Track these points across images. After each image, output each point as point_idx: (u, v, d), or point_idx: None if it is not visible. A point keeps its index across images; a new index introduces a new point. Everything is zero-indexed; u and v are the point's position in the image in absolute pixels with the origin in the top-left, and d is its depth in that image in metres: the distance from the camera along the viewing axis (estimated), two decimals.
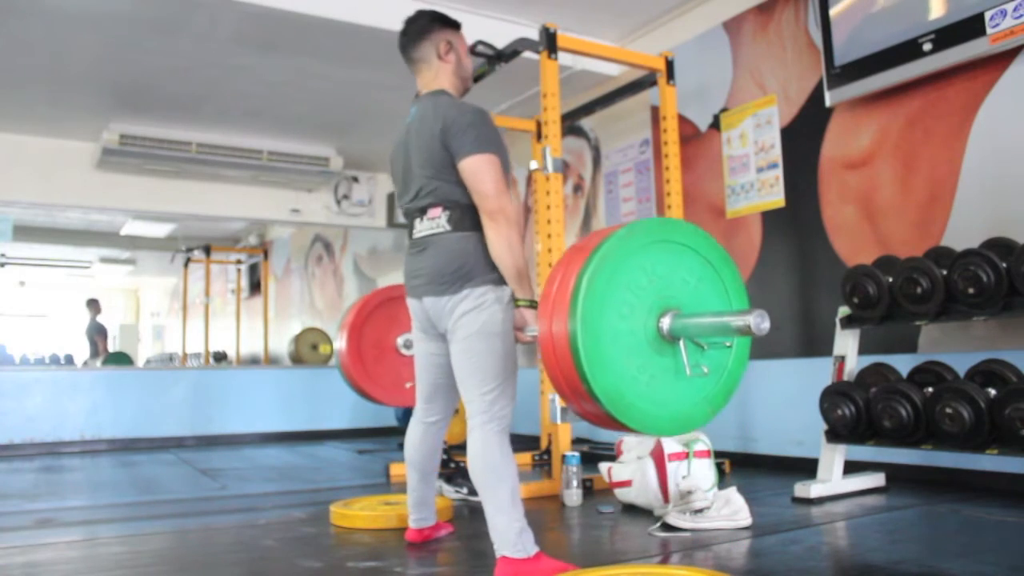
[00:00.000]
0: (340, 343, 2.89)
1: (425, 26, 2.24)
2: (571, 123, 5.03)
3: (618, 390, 1.52)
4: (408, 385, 2.58)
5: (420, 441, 2.35)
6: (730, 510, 2.49)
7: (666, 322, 1.58)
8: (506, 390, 2.01)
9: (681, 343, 1.58)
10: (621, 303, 1.55)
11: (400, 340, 2.85)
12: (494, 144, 2.05)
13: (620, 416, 1.54)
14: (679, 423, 1.63)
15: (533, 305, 2.03)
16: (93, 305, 10.79)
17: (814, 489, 2.91)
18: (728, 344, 1.67)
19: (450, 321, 2.06)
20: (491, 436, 1.97)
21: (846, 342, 3.06)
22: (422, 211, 2.15)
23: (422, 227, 2.15)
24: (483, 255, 2.04)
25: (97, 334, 10.62)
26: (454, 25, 2.29)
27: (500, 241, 2.00)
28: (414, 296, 2.18)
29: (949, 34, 3.10)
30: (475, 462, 1.97)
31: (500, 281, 2.04)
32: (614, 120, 4.95)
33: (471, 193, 2.05)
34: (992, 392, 2.54)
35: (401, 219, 7.14)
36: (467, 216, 2.07)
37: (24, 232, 8.60)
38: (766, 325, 1.48)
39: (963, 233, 3.10)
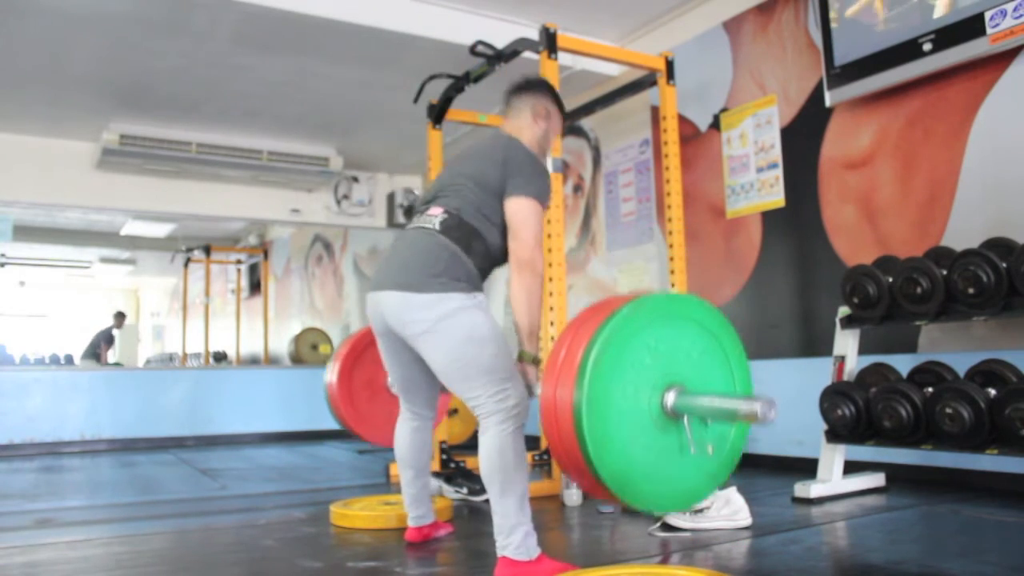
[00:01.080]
0: (331, 378, 2.83)
1: (537, 86, 2.34)
2: (571, 123, 5.03)
3: (624, 473, 1.51)
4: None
5: (409, 438, 2.36)
6: (730, 510, 2.49)
7: (670, 399, 1.56)
8: (515, 388, 1.98)
9: (685, 420, 1.57)
10: (626, 383, 1.53)
11: (391, 380, 2.83)
12: (547, 201, 2.12)
13: (626, 497, 1.53)
14: (684, 499, 1.62)
15: (536, 361, 2.05)
16: (119, 317, 11.00)
17: (814, 489, 2.91)
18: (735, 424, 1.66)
19: (418, 325, 2.01)
20: (507, 437, 1.93)
21: (846, 342, 3.06)
22: (426, 206, 2.17)
23: (415, 221, 2.17)
24: (456, 266, 2.03)
25: (105, 341, 10.68)
26: (560, 106, 2.37)
27: (522, 292, 2.01)
28: (377, 288, 2.13)
29: (949, 34, 3.10)
30: (488, 462, 1.94)
31: (469, 290, 2.03)
32: (614, 120, 4.95)
33: (509, 233, 2.07)
34: (992, 392, 2.54)
35: (401, 219, 7.06)
36: (462, 230, 2.07)
37: (24, 232, 8.58)
38: (773, 414, 1.46)
39: (963, 233, 3.10)
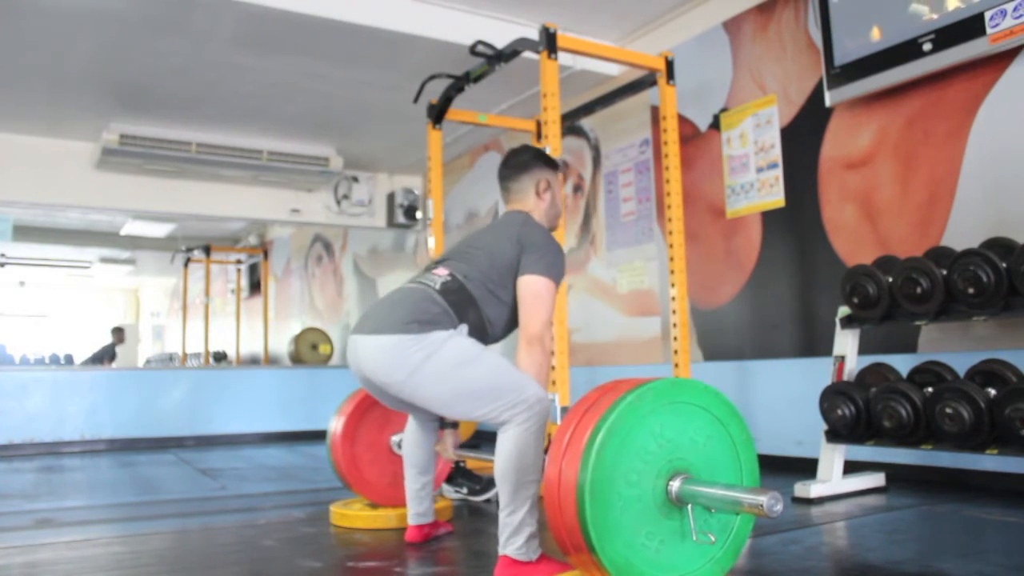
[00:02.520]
0: (335, 431, 2.82)
1: (528, 162, 2.34)
2: (571, 123, 5.02)
3: (627, 559, 1.50)
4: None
5: (414, 436, 2.39)
6: None
7: (675, 486, 1.56)
8: (528, 383, 1.97)
9: (689, 507, 1.56)
10: (630, 470, 1.52)
11: (394, 439, 2.81)
12: (559, 281, 2.13)
13: None
14: None
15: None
16: (117, 333, 11.05)
17: (814, 489, 2.91)
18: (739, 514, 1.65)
19: (401, 370, 1.97)
20: (530, 436, 1.91)
21: (846, 342, 3.06)
22: (435, 265, 2.19)
23: (418, 277, 2.18)
24: (444, 321, 2.01)
25: (108, 357, 10.72)
26: (554, 166, 2.38)
27: (532, 368, 2.01)
28: (359, 332, 2.08)
29: (949, 34, 3.10)
30: (505, 460, 1.91)
31: (449, 327, 2.02)
32: (614, 120, 4.95)
33: (520, 310, 2.08)
34: (992, 392, 2.54)
35: (401, 219, 7.06)
36: (460, 296, 2.07)
37: (24, 232, 8.60)
38: (779, 508, 1.45)
39: (963, 233, 3.10)
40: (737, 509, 1.52)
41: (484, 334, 2.13)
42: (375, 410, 2.78)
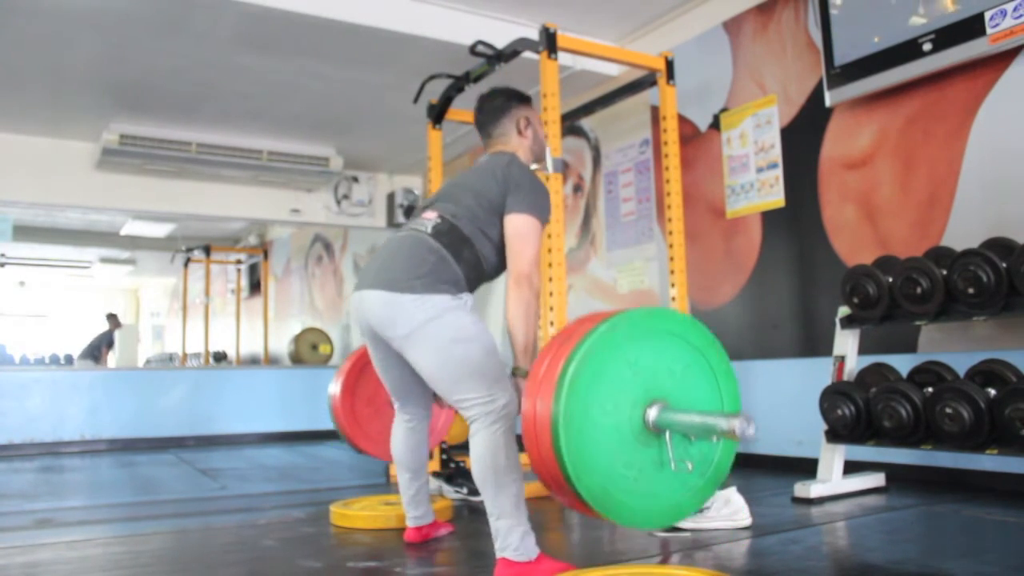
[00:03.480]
0: (334, 390, 2.83)
1: (503, 104, 2.33)
2: (571, 123, 5.02)
3: (605, 489, 1.49)
4: None
5: (404, 439, 2.37)
6: (730, 510, 2.49)
7: (652, 414, 1.55)
8: (504, 386, 1.98)
9: (667, 435, 1.55)
10: (606, 399, 1.51)
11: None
12: (546, 218, 2.13)
13: (608, 514, 1.51)
14: (669, 514, 1.60)
15: None
16: (112, 319, 10.94)
17: (814, 489, 2.91)
18: (715, 439, 1.63)
19: (403, 327, 2.00)
20: (498, 437, 1.92)
21: (846, 342, 3.06)
22: (422, 211, 2.19)
23: (409, 223, 2.19)
24: (443, 270, 2.03)
25: (106, 344, 10.67)
26: (528, 101, 2.37)
27: (520, 307, 2.01)
28: (360, 286, 2.12)
29: (949, 34, 3.10)
30: (480, 464, 1.93)
31: (454, 292, 2.03)
32: (614, 120, 4.95)
33: (508, 248, 2.08)
34: (992, 392, 2.54)
35: (401, 219, 7.08)
36: (452, 236, 2.07)
37: (24, 232, 8.59)
38: (751, 431, 1.46)
39: (963, 233, 3.10)
40: (711, 433, 1.51)
41: (480, 271, 2.13)
42: (372, 368, 2.80)
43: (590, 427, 1.49)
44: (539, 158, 2.37)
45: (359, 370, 2.80)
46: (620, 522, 1.54)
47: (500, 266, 2.18)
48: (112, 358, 10.69)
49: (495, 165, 2.18)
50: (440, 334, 1.98)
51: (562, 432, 1.46)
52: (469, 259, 2.08)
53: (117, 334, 10.75)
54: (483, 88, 3.96)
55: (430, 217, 2.13)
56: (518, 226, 2.07)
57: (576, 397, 1.48)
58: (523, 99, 2.36)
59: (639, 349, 1.55)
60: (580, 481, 1.46)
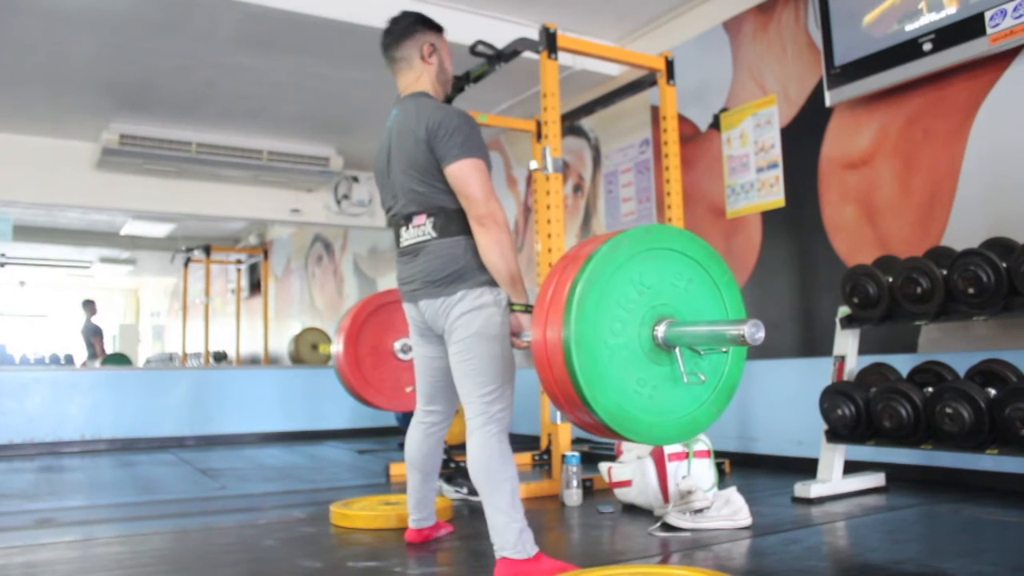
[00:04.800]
0: (337, 347, 2.86)
1: (409, 27, 2.25)
2: (571, 123, 5.03)
3: (620, 407, 1.51)
4: (408, 389, 2.56)
5: (421, 442, 2.35)
6: (730, 510, 2.49)
7: (661, 331, 1.57)
8: (504, 393, 2.01)
9: (677, 351, 1.57)
10: (613, 320, 1.53)
11: (397, 344, 2.82)
12: (480, 148, 2.04)
13: (625, 432, 1.52)
14: (685, 429, 1.61)
15: (528, 310, 2.02)
16: (89, 306, 10.71)
17: (814, 489, 2.91)
18: (724, 350, 1.66)
19: (447, 322, 2.06)
20: (491, 438, 1.97)
21: (846, 342, 3.06)
22: (407, 219, 2.14)
23: (408, 235, 2.15)
24: (473, 258, 2.03)
25: (93, 335, 10.58)
26: (437, 28, 2.29)
27: (491, 246, 1.98)
28: (410, 301, 2.19)
29: (949, 34, 3.10)
30: (475, 463, 1.97)
31: (494, 283, 2.04)
32: (614, 120, 4.95)
33: (459, 198, 2.03)
34: (992, 392, 2.54)
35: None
36: (453, 221, 2.06)
37: (24, 232, 8.60)
38: (760, 335, 1.47)
39: (963, 233, 3.10)
40: (721, 342, 1.53)
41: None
42: (376, 317, 2.80)
43: (601, 347, 1.51)
44: (446, 90, 2.30)
45: (360, 323, 2.82)
46: (638, 439, 1.56)
47: None
48: (112, 345, 10.62)
49: (406, 126, 2.13)
50: (467, 326, 2.01)
51: (575, 355, 1.47)
52: (463, 225, 2.05)
53: (95, 320, 10.61)
54: (483, 88, 3.99)
55: (421, 222, 2.10)
56: (457, 174, 2.01)
57: (585, 319, 1.49)
58: (432, 25, 2.28)
59: (642, 267, 1.57)
60: (596, 401, 1.48)
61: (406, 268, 2.17)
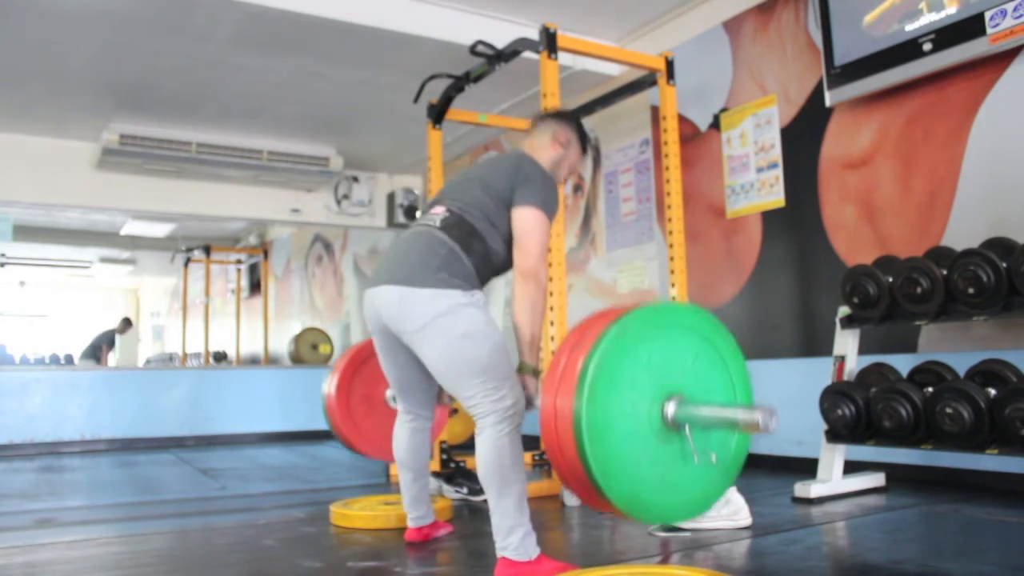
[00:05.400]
0: (329, 389, 2.81)
1: (564, 117, 2.36)
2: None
3: (634, 493, 1.50)
4: None
5: (408, 440, 2.36)
6: (730, 510, 2.49)
7: (671, 410, 1.54)
8: (513, 385, 1.97)
9: (687, 429, 1.55)
10: (624, 402, 1.51)
11: (389, 393, 2.78)
12: (554, 213, 2.12)
13: (638, 515, 1.52)
14: (696, 506, 1.60)
15: (536, 374, 2.04)
16: (126, 323, 10.97)
17: (814, 489, 2.91)
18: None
19: (414, 321, 2.00)
20: (504, 438, 1.92)
21: (846, 342, 3.06)
22: (430, 207, 2.18)
23: (418, 219, 2.18)
24: (454, 264, 2.02)
25: (107, 343, 10.66)
26: (584, 136, 2.37)
27: (526, 302, 2.00)
28: (374, 283, 2.11)
29: (949, 34, 3.10)
30: (485, 463, 1.93)
31: (467, 288, 2.02)
32: (614, 120, 4.95)
33: (515, 243, 2.07)
34: (992, 392, 2.54)
35: (401, 219, 7.04)
36: (461, 229, 2.07)
37: (24, 232, 8.59)
38: (775, 424, 1.45)
39: (963, 233, 3.10)
40: (733, 427, 1.51)
41: (490, 263, 2.12)
42: (369, 364, 2.76)
43: (612, 432, 1.49)
44: (558, 177, 2.34)
45: (354, 369, 2.79)
46: (650, 521, 1.55)
47: (509, 260, 2.17)
48: (112, 358, 10.68)
49: (507, 157, 2.18)
50: (451, 329, 1.97)
51: (587, 440, 1.46)
52: (479, 251, 2.07)
53: (119, 337, 10.74)
54: (483, 88, 3.98)
55: (439, 212, 2.12)
56: (525, 219, 2.05)
57: (596, 404, 1.47)
58: (582, 132, 2.36)
59: (651, 347, 1.55)
60: (609, 487, 1.47)
61: (391, 248, 2.17)
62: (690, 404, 1.54)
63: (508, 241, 2.12)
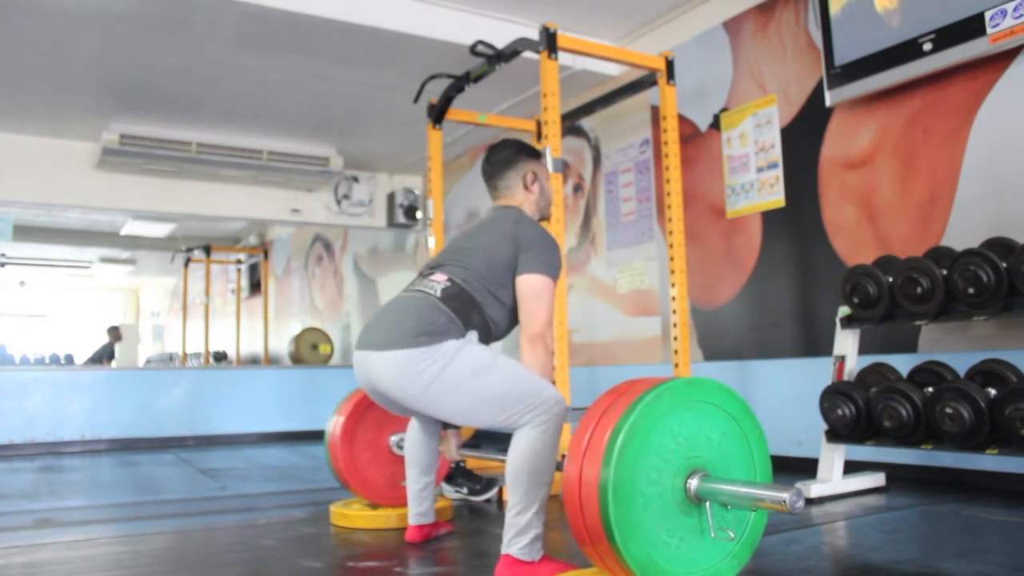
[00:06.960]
0: (334, 430, 2.80)
1: (510, 157, 2.31)
2: (571, 123, 5.03)
3: (650, 558, 1.51)
4: (403, 483, 2.54)
5: (419, 437, 2.38)
6: None
7: (694, 484, 1.56)
8: (542, 388, 1.96)
9: (707, 504, 1.57)
10: (650, 468, 1.53)
11: (394, 439, 2.77)
12: (557, 276, 2.12)
13: None
14: None
15: None
16: (113, 332, 10.94)
17: (814, 489, 2.91)
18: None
19: (416, 385, 1.95)
20: (546, 438, 1.91)
21: (846, 342, 3.06)
22: (431, 271, 2.16)
23: (415, 284, 2.15)
24: (452, 330, 2.00)
25: (107, 357, 10.70)
26: (537, 155, 2.36)
27: (535, 366, 2.01)
28: (365, 347, 2.06)
29: (949, 34, 3.10)
30: (520, 461, 1.90)
31: (459, 336, 2.00)
32: (614, 120, 4.95)
33: (520, 309, 2.08)
34: (992, 392, 2.54)
35: (401, 219, 7.06)
36: (462, 300, 2.05)
37: (24, 232, 8.58)
38: (801, 504, 1.46)
39: (963, 233, 3.10)
40: (757, 506, 1.52)
41: (488, 334, 2.12)
42: (374, 409, 2.77)
43: (636, 496, 1.51)
44: (544, 214, 2.36)
45: (360, 413, 2.77)
46: None
47: (509, 328, 2.18)
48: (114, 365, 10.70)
49: (504, 222, 2.17)
50: (457, 377, 1.95)
51: (611, 500, 1.48)
52: (478, 324, 2.07)
53: (117, 346, 10.77)
54: (483, 88, 3.99)
55: (439, 280, 2.10)
56: (532, 286, 2.07)
57: (625, 466, 1.50)
58: (532, 153, 2.35)
59: (681, 419, 1.58)
60: (627, 549, 1.49)
61: (384, 310, 2.12)
62: (713, 480, 1.57)
63: (511, 310, 2.13)
